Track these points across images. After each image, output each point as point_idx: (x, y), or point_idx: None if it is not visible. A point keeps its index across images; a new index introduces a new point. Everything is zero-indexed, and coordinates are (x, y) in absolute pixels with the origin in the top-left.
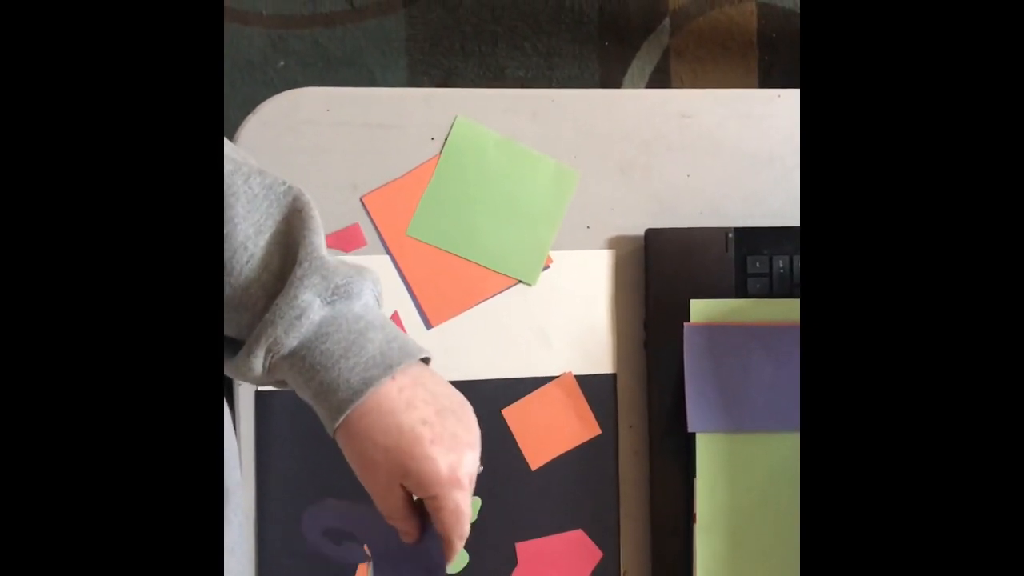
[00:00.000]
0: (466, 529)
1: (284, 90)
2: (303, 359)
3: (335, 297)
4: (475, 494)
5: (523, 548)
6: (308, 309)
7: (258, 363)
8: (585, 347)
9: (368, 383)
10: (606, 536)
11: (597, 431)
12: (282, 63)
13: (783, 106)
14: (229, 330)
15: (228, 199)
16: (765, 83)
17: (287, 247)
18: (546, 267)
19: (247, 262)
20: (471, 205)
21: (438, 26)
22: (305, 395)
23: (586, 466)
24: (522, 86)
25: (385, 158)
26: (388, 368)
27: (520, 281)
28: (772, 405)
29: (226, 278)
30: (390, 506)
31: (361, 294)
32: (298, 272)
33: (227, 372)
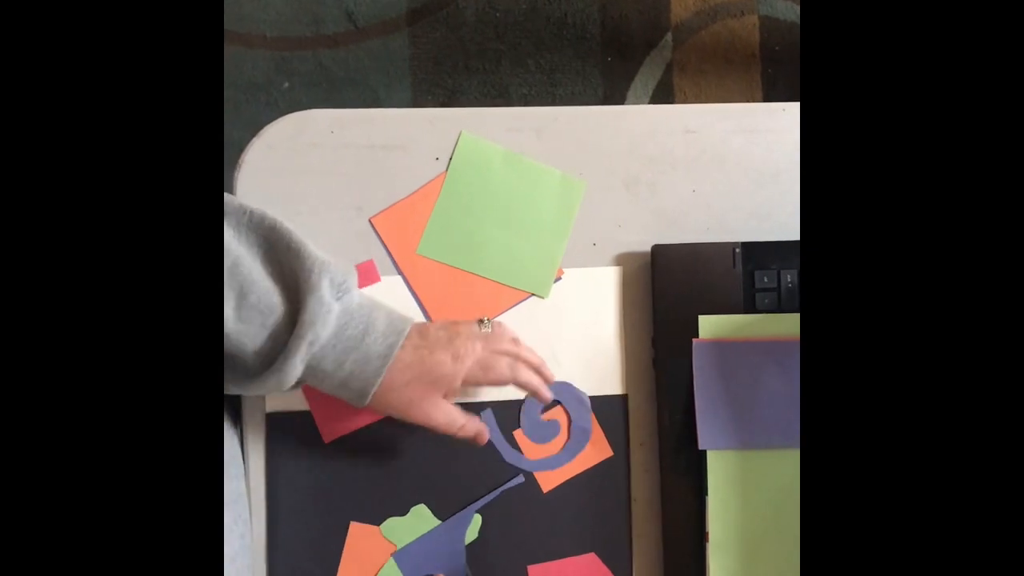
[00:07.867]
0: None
1: (288, 111)
2: (334, 347)
3: (340, 293)
4: (480, 514)
5: (535, 571)
6: (331, 305)
7: (299, 361)
8: (595, 367)
9: (392, 348)
10: (618, 559)
11: (609, 453)
12: (286, 84)
13: (788, 119)
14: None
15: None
16: (769, 96)
17: (279, 262)
18: (558, 279)
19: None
20: (480, 220)
21: (442, 45)
22: (332, 384)
23: (598, 488)
24: (526, 103)
25: (390, 179)
26: (400, 333)
27: (533, 294)
28: (783, 421)
29: (239, 301)
30: (449, 412)
31: (352, 288)
32: (312, 279)
33: (250, 390)
